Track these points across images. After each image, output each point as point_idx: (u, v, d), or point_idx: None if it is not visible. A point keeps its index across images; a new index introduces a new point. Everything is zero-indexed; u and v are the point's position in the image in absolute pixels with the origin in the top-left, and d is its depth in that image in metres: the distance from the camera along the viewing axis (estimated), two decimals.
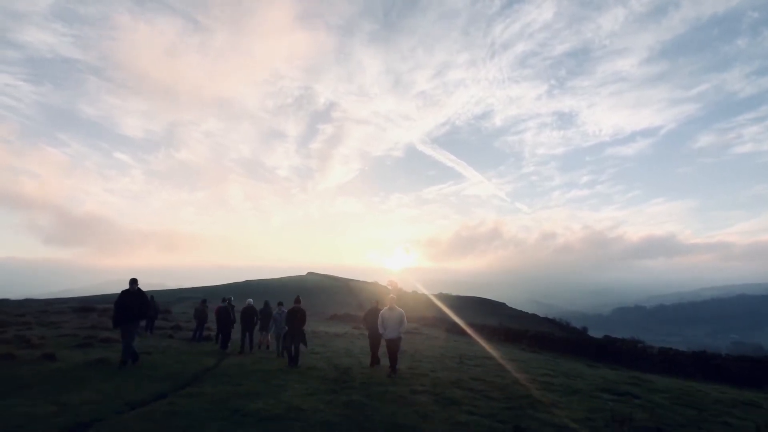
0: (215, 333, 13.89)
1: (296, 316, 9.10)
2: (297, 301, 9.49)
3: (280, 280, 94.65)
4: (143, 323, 16.32)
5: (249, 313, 12.28)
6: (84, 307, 28.05)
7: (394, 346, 8.28)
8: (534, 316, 79.58)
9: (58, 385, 5.71)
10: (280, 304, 11.34)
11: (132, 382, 6.21)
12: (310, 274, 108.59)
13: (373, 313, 9.35)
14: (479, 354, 13.56)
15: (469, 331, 25.29)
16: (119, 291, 8.37)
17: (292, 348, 8.92)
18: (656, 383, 9.62)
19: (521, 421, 4.95)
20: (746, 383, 11.87)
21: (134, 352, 7.97)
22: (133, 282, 8.05)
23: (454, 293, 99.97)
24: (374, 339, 9.27)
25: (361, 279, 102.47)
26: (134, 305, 7.86)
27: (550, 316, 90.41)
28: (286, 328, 9.91)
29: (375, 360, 9.36)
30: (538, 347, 20.98)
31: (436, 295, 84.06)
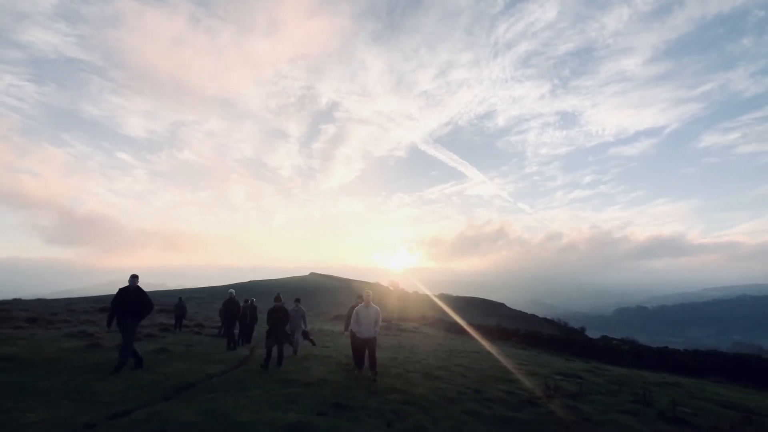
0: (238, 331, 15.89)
1: (278, 316, 8.54)
2: (277, 299, 8.92)
3: (282, 280, 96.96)
4: (172, 323, 18.45)
5: (232, 306, 11.48)
6: (104, 307, 30.33)
7: (369, 346, 7.79)
8: (533, 316, 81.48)
9: (147, 364, 7.84)
10: (297, 301, 11.05)
11: (198, 363, 8.33)
12: (312, 274, 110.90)
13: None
14: (469, 349, 15.60)
15: (466, 329, 27.38)
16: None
17: (273, 349, 8.26)
18: (611, 371, 11.65)
19: (481, 388, 7.04)
20: (696, 373, 13.87)
21: (136, 353, 7.47)
22: (133, 278, 7.40)
23: (455, 294, 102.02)
24: (357, 339, 8.25)
25: (362, 279, 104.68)
26: (132, 303, 7.25)
27: (549, 317, 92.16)
28: (304, 326, 10.71)
29: (360, 363, 8.32)
30: (527, 344, 23.03)
31: (437, 296, 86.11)
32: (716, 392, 9.02)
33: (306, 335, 11.51)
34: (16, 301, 40.69)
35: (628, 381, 9.45)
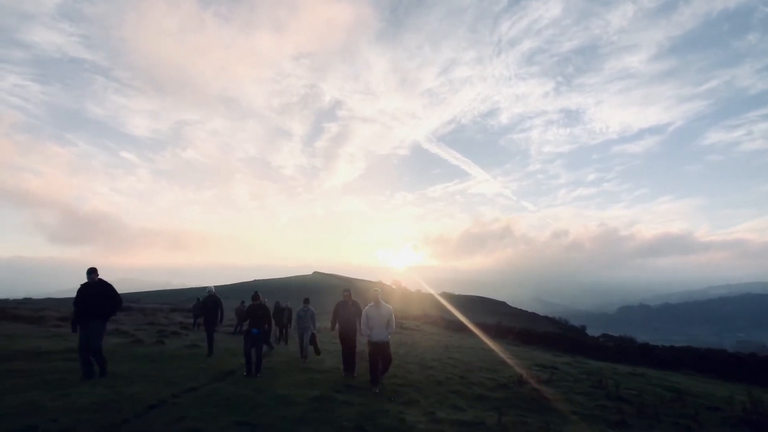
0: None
1: (257, 313, 7.84)
2: (255, 297, 8.21)
3: (286, 279, 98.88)
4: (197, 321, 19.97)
5: (211, 305, 10.06)
6: (124, 307, 32.02)
7: (383, 351, 6.91)
8: (533, 314, 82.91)
9: (186, 358, 9.38)
10: (306, 301, 10.57)
11: (228, 356, 9.86)
12: (316, 273, 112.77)
13: (344, 306, 7.99)
14: (465, 345, 17.07)
15: (465, 327, 28.86)
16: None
17: (253, 352, 7.52)
18: (589, 364, 13.07)
19: (467, 375, 8.52)
20: (671, 367, 15.25)
21: (102, 358, 6.59)
22: (92, 272, 6.63)
23: (457, 292, 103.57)
24: (347, 339, 7.85)
25: (366, 278, 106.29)
26: (98, 300, 6.49)
27: (551, 315, 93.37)
28: (313, 328, 9.99)
29: (350, 365, 7.90)
30: (521, 341, 24.45)
31: (439, 294, 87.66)
32: (674, 380, 10.44)
33: (313, 339, 10.51)
34: (27, 301, 42.55)
35: (598, 372, 10.87)
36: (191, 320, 20.88)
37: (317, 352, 10.69)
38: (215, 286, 10.63)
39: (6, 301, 36.15)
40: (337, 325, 8.08)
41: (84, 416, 4.34)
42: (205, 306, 10.13)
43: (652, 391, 8.24)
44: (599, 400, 6.98)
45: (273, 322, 14.83)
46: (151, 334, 13.86)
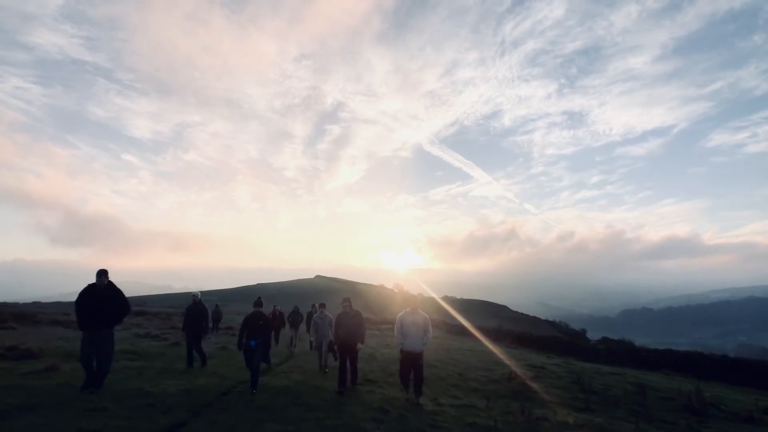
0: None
1: (257, 323, 7.13)
2: (258, 303, 7.50)
3: (289, 282, 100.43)
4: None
5: (197, 312, 9.17)
6: (140, 311, 33.55)
7: (416, 362, 6.54)
8: (534, 318, 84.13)
9: (224, 357, 10.91)
10: (323, 305, 9.72)
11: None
12: (318, 276, 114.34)
13: (345, 317, 7.48)
14: (465, 347, 18.54)
15: (465, 331, 30.35)
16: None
17: (254, 364, 6.90)
18: (576, 365, 14.51)
19: (465, 372, 10.03)
20: (655, 368, 16.67)
21: (106, 373, 6.13)
22: (102, 274, 6.03)
23: (459, 296, 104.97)
24: (348, 350, 7.35)
25: (368, 281, 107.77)
26: (104, 305, 5.94)
27: (552, 319, 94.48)
28: (331, 335, 8.79)
29: (344, 379, 7.19)
30: (518, 344, 25.93)
31: (441, 298, 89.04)
32: (647, 379, 11.89)
33: (331, 347, 9.25)
34: (37, 305, 43.98)
35: (582, 371, 12.34)
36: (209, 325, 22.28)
37: (336, 358, 10.59)
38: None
39: (16, 305, 37.43)
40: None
41: (179, 399, 5.87)
42: (188, 313, 9.15)
43: (621, 386, 9.71)
44: (573, 393, 8.47)
45: (285, 327, 16.04)
46: (180, 337, 15.39)
